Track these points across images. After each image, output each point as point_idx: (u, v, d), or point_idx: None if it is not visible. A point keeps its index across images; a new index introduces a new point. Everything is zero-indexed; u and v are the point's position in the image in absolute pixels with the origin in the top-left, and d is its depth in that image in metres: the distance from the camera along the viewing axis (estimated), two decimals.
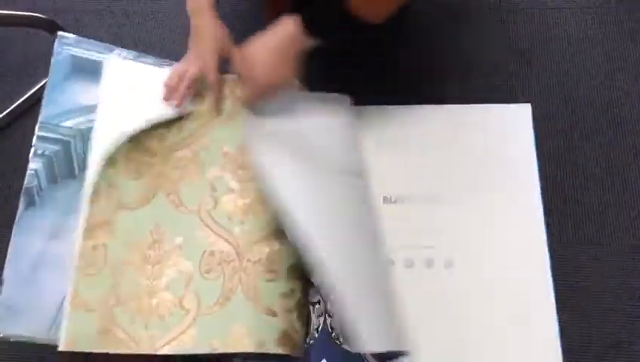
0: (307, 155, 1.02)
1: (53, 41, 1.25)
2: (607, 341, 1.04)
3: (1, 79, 1.31)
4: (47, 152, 1.03)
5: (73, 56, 1.10)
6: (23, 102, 1.26)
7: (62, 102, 1.06)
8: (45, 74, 1.26)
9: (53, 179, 1.02)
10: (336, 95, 1.12)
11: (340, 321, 0.94)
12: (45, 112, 1.05)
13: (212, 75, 1.01)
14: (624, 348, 1.03)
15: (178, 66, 1.03)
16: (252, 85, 1.00)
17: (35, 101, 1.27)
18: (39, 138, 1.03)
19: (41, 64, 1.30)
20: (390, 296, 0.98)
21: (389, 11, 0.98)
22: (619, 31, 1.31)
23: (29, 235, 0.98)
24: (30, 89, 1.27)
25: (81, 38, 1.11)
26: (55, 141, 1.04)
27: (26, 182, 1.00)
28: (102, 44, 1.13)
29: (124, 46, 1.31)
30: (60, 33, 1.11)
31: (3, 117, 1.25)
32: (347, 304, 0.88)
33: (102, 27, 1.36)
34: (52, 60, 1.08)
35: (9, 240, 1.11)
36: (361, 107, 1.19)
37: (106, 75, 1.08)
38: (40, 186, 1.01)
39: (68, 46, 1.10)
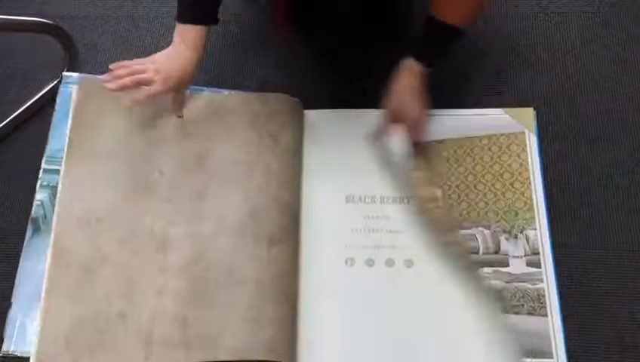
0: None
1: (60, 47, 1.26)
2: (611, 343, 1.04)
3: (7, 84, 1.31)
4: (52, 183, 1.11)
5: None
6: (29, 106, 1.26)
7: (65, 137, 1.14)
8: (52, 79, 1.27)
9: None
10: (287, 96, 1.17)
11: None
12: (50, 147, 1.14)
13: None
14: (630, 351, 1.03)
15: (150, 64, 1.08)
16: (410, 120, 1.10)
17: (41, 106, 1.27)
18: (45, 171, 1.12)
19: (46, 70, 1.30)
20: None
21: (475, 13, 1.06)
22: (622, 34, 1.31)
23: (36, 260, 1.05)
24: (36, 94, 1.27)
25: (84, 75, 1.21)
26: (59, 172, 1.11)
27: (32, 212, 1.09)
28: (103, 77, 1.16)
29: (130, 50, 1.33)
30: (64, 73, 1.21)
31: (10, 121, 1.25)
32: None
33: (107, 32, 1.36)
34: (57, 98, 1.17)
35: (11, 243, 1.13)
36: (361, 110, 1.20)
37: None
38: (45, 216, 1.08)
39: (71, 84, 1.20)
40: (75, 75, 1.22)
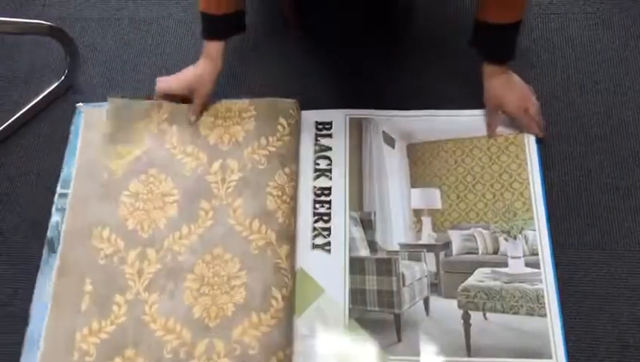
0: None
1: (61, 48, 1.27)
2: (613, 345, 1.03)
3: (9, 86, 1.31)
4: (65, 206, 1.14)
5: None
6: (30, 108, 1.27)
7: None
8: (52, 81, 1.28)
9: None
10: (286, 100, 1.18)
11: None
12: (65, 173, 1.17)
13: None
14: (630, 352, 1.03)
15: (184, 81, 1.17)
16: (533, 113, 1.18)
17: (43, 108, 1.28)
18: (60, 195, 1.15)
19: (48, 71, 1.31)
20: None
21: (524, 4, 1.12)
22: (623, 35, 1.31)
23: (51, 278, 1.07)
24: (38, 95, 1.27)
25: (95, 105, 1.23)
26: None
27: (48, 233, 1.11)
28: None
29: (130, 53, 1.34)
30: (77, 105, 1.23)
31: (12, 123, 1.26)
32: None
33: (108, 34, 1.37)
34: (70, 128, 1.20)
35: (13, 244, 1.14)
36: (362, 110, 1.20)
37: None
38: (59, 236, 1.11)
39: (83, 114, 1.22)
40: (88, 106, 1.24)
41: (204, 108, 1.19)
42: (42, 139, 1.24)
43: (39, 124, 1.26)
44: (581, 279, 1.08)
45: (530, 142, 1.16)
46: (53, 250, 1.10)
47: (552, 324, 1.01)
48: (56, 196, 1.15)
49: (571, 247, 1.10)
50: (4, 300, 1.10)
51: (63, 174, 1.17)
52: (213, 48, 1.15)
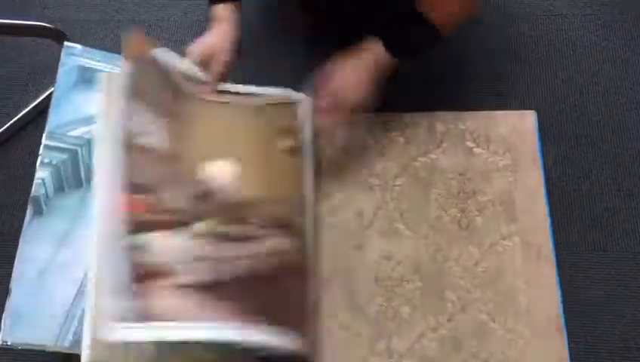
0: None
1: (61, 50, 1.26)
2: (614, 346, 1.03)
3: (9, 88, 1.31)
4: (54, 161, 1.04)
5: (80, 67, 1.11)
6: (30, 110, 1.27)
7: (69, 112, 1.08)
8: (53, 83, 1.27)
9: (60, 188, 1.03)
10: (293, 92, 1.12)
11: None
12: (52, 122, 1.06)
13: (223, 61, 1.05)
14: (632, 353, 1.03)
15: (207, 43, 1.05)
16: (339, 106, 1.02)
17: (43, 109, 1.27)
18: (46, 147, 1.04)
19: (48, 73, 1.31)
20: None
21: (462, 21, 1.04)
22: (623, 37, 1.32)
23: (36, 243, 0.99)
24: (38, 97, 1.27)
25: (87, 48, 1.13)
26: (62, 150, 1.05)
27: (33, 190, 1.01)
28: (108, 53, 1.14)
29: None
30: (66, 43, 1.13)
31: (11, 125, 1.25)
32: None
33: (108, 36, 1.37)
34: (59, 70, 1.10)
35: (14, 248, 1.12)
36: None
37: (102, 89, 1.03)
38: (47, 195, 1.01)
39: (75, 56, 1.12)
40: (78, 46, 1.14)
41: (222, 79, 1.06)
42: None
43: (39, 127, 1.26)
44: (582, 280, 1.08)
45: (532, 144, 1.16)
46: (39, 212, 1.00)
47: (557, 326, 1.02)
48: (41, 148, 1.04)
49: (573, 248, 1.11)
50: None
51: (50, 124, 1.06)
52: (225, 13, 1.06)
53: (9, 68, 1.34)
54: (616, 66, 1.29)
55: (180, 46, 1.33)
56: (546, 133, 1.19)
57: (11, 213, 1.19)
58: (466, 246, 1.08)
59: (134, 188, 0.91)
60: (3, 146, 1.24)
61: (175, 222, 0.93)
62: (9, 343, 0.94)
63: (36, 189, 1.02)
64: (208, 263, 0.91)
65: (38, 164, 1.03)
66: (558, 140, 1.21)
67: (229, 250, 0.94)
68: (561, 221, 1.12)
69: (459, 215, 1.10)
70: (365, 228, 1.10)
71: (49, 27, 1.25)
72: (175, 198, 0.95)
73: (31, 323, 0.95)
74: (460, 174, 1.13)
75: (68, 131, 1.06)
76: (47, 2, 1.40)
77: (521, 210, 1.10)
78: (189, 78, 1.05)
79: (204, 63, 1.04)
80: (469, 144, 1.16)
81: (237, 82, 1.25)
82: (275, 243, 0.99)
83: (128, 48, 1.00)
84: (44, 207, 1.01)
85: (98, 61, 1.13)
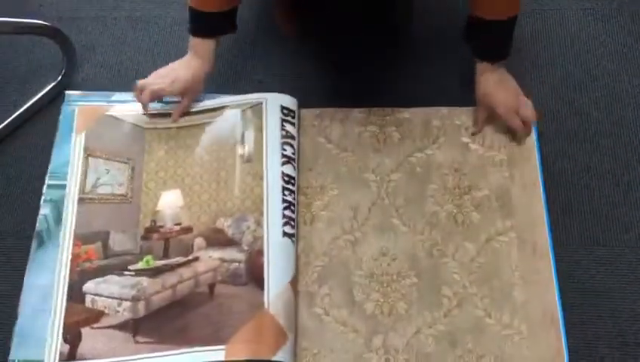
0: None
1: (58, 48, 1.27)
2: (614, 341, 1.03)
3: (5, 86, 1.31)
4: (54, 198, 1.12)
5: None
6: (27, 109, 1.26)
7: (68, 153, 1.17)
8: (49, 81, 1.27)
9: (58, 221, 1.11)
10: (286, 96, 1.17)
11: None
12: (54, 163, 1.16)
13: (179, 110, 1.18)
14: (631, 348, 1.02)
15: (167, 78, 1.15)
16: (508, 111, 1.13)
17: (40, 108, 1.27)
18: (49, 186, 1.14)
19: (45, 71, 1.31)
20: None
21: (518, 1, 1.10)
22: (622, 32, 1.31)
23: (40, 273, 1.07)
24: (35, 96, 1.27)
25: (85, 93, 1.24)
26: (62, 187, 1.14)
27: (37, 225, 1.10)
28: (104, 93, 1.23)
29: (127, 52, 1.34)
30: (66, 92, 1.23)
31: (8, 123, 1.25)
32: None
33: (105, 33, 1.37)
34: (60, 116, 1.20)
35: (11, 246, 1.14)
36: (360, 109, 1.20)
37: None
38: (49, 228, 1.10)
39: (73, 102, 1.22)
40: (77, 93, 1.23)
41: (186, 110, 1.18)
42: (40, 140, 1.24)
43: (36, 125, 1.26)
44: (581, 275, 1.08)
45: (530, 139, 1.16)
46: (42, 244, 1.08)
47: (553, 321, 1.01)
48: (44, 187, 1.13)
49: (572, 244, 1.10)
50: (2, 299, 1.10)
51: (53, 165, 1.15)
52: (204, 47, 1.13)
53: (5, 66, 1.34)
54: (615, 61, 1.28)
55: (176, 41, 1.34)
56: (544, 128, 1.19)
57: (8, 210, 1.19)
58: (462, 241, 1.08)
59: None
60: (1, 143, 1.24)
61: (120, 265, 1.07)
62: (16, 360, 1.01)
63: (39, 225, 1.10)
64: (142, 301, 1.03)
65: (41, 202, 1.12)
66: (556, 135, 1.20)
67: (162, 281, 1.05)
68: (559, 216, 1.12)
69: (455, 210, 1.10)
70: (361, 224, 1.10)
71: (46, 25, 1.25)
72: (123, 242, 1.10)
73: (35, 343, 1.01)
74: (456, 170, 1.13)
75: (66, 169, 1.15)
76: (44, 0, 1.40)
77: (518, 206, 1.10)
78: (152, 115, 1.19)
79: (180, 93, 1.15)
80: (465, 139, 1.16)
81: (230, 80, 1.26)
82: (205, 263, 1.07)
83: (79, 122, 1.18)
84: (46, 241, 1.09)
85: (94, 102, 1.22)
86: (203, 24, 1.12)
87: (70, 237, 1.08)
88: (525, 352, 0.99)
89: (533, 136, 1.15)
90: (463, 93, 1.20)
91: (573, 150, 1.19)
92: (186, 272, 1.06)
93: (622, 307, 1.05)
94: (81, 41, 1.34)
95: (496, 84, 1.13)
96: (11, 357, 1.01)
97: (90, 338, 1.01)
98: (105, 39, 1.36)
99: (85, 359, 0.99)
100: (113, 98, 1.22)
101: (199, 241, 1.09)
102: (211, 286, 1.05)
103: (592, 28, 1.32)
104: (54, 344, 1.00)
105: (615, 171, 1.17)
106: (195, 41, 1.14)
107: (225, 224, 1.09)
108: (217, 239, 1.08)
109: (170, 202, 1.12)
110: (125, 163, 1.16)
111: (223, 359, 0.96)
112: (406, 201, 1.11)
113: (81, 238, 1.08)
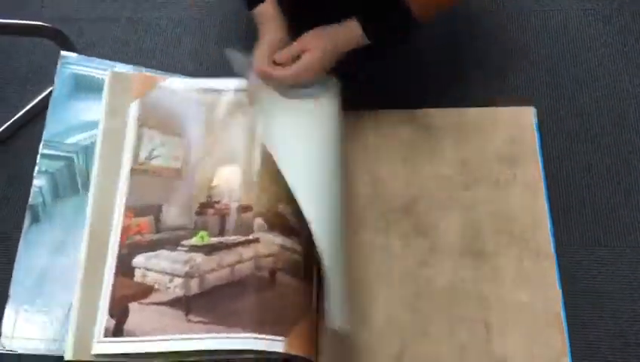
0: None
1: (59, 50, 1.26)
2: (615, 342, 1.03)
3: (6, 87, 1.31)
4: (50, 169, 1.06)
5: (75, 75, 1.14)
6: (28, 110, 1.26)
7: (65, 120, 1.10)
8: (50, 82, 1.27)
9: (56, 195, 1.05)
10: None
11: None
12: (49, 130, 1.08)
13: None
14: (632, 348, 1.03)
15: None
16: (298, 69, 1.04)
17: (41, 109, 1.27)
18: (43, 156, 1.06)
19: (46, 72, 1.30)
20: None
21: (442, 10, 1.06)
22: (623, 32, 1.31)
23: (35, 250, 1.01)
24: (35, 97, 1.27)
25: (82, 57, 1.16)
26: (58, 158, 1.07)
27: (30, 199, 1.03)
28: (103, 61, 1.16)
29: (128, 53, 1.33)
30: (62, 53, 1.15)
31: (9, 125, 1.25)
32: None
33: (106, 35, 1.37)
34: (55, 79, 1.12)
35: (13, 245, 1.12)
36: (362, 111, 1.19)
37: (109, 87, 1.11)
38: (44, 203, 1.03)
39: (70, 65, 1.15)
40: (73, 55, 1.16)
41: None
42: (40, 141, 1.24)
43: (38, 126, 1.26)
44: (583, 276, 1.08)
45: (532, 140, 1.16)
46: (36, 219, 1.03)
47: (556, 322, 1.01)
48: (38, 157, 1.06)
49: (573, 244, 1.10)
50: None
51: (47, 133, 1.09)
52: (266, 11, 1.08)
53: (7, 67, 1.34)
54: (616, 60, 1.28)
55: (177, 43, 1.34)
56: (546, 128, 1.19)
57: (9, 212, 1.19)
58: None
59: (137, 210, 1.02)
60: (1, 145, 1.24)
61: (173, 240, 1.01)
62: (8, 348, 0.95)
63: (33, 198, 1.04)
64: (196, 278, 0.97)
65: (35, 173, 1.05)
66: (558, 135, 1.20)
67: (218, 259, 0.99)
68: (561, 216, 1.12)
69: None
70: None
71: (47, 26, 1.25)
72: (177, 216, 1.03)
73: (29, 329, 0.96)
74: (459, 171, 1.13)
75: (64, 139, 1.09)
76: (44, 1, 1.40)
77: (521, 206, 1.10)
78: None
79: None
80: (468, 140, 1.16)
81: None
82: (266, 246, 1.01)
83: (134, 90, 1.10)
84: (41, 215, 1.03)
85: (94, 69, 1.15)
86: None
87: (121, 209, 1.02)
88: (529, 354, 0.99)
89: (536, 136, 1.16)
90: (466, 93, 1.20)
91: (574, 150, 1.19)
92: (245, 252, 1.00)
93: (623, 307, 1.06)
94: (83, 42, 1.34)
95: (325, 36, 1.06)
96: (3, 343, 0.96)
97: (138, 314, 0.95)
98: (105, 40, 1.36)
99: (133, 335, 0.94)
100: (115, 68, 1.16)
101: (259, 222, 1.03)
102: (272, 273, 0.99)
103: (592, 28, 1.32)
104: (99, 318, 0.95)
105: (617, 171, 1.17)
106: (257, 13, 1.09)
107: (286, 211, 1.04)
108: (279, 224, 1.03)
109: (227, 178, 1.06)
110: (181, 136, 1.10)
111: (281, 351, 0.93)
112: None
113: (133, 210, 1.02)
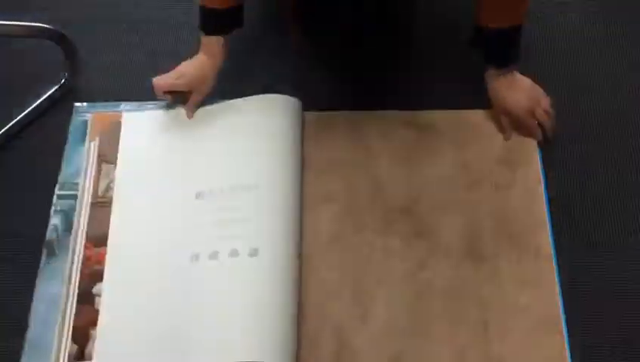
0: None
1: (61, 53, 1.27)
2: (616, 344, 1.03)
3: (8, 89, 1.31)
4: (64, 208, 1.14)
5: (86, 121, 1.24)
6: (30, 112, 1.27)
7: (78, 163, 1.19)
8: (53, 84, 1.28)
9: (68, 228, 1.13)
10: (287, 97, 1.18)
11: None
12: (64, 173, 1.18)
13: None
14: (633, 351, 1.02)
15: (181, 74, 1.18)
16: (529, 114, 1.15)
17: (43, 112, 1.27)
18: (59, 196, 1.15)
19: (48, 74, 1.31)
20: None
21: (524, 9, 1.12)
22: (623, 32, 1.31)
23: (50, 281, 1.08)
24: (37, 99, 1.27)
25: (93, 104, 1.26)
26: (71, 197, 1.16)
27: (47, 235, 1.11)
28: (112, 103, 1.26)
29: (130, 55, 1.34)
30: (75, 104, 1.25)
31: (11, 126, 1.26)
32: None
33: (110, 36, 1.37)
34: (69, 128, 1.23)
35: (14, 250, 1.14)
36: (362, 112, 1.20)
37: (125, 129, 1.21)
38: (58, 238, 1.11)
39: (82, 113, 1.25)
40: (85, 105, 1.25)
41: (201, 104, 1.21)
42: (42, 143, 1.24)
43: (39, 128, 1.26)
44: (583, 278, 1.08)
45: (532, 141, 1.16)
46: (52, 253, 1.10)
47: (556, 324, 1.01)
48: (54, 198, 1.15)
49: (574, 247, 1.10)
50: (4, 305, 1.10)
51: (63, 175, 1.17)
52: (214, 44, 1.16)
53: (8, 69, 1.34)
54: (618, 62, 1.28)
55: (181, 43, 1.34)
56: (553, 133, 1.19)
57: (8, 214, 1.19)
58: None
59: (97, 240, 1.10)
60: (2, 148, 1.24)
61: None
62: None
63: (50, 235, 1.12)
64: None
65: (52, 212, 1.13)
66: (558, 137, 1.20)
67: None
68: (561, 218, 1.12)
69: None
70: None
71: (48, 28, 1.26)
72: None
73: (45, 352, 1.02)
74: (459, 172, 1.13)
75: (76, 179, 1.18)
76: (46, 3, 1.40)
77: (520, 208, 1.10)
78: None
79: (190, 89, 1.18)
80: (468, 142, 1.16)
81: (235, 82, 1.26)
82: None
83: (93, 129, 1.22)
84: (56, 251, 1.11)
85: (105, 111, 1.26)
86: (214, 22, 1.15)
87: (82, 241, 1.10)
88: (528, 355, 0.99)
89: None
90: (465, 95, 1.20)
91: (574, 152, 1.19)
92: None
93: (624, 310, 1.05)
94: (84, 44, 1.34)
95: (507, 88, 1.14)
96: None
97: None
98: (108, 42, 1.36)
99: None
100: (122, 107, 1.24)
101: None
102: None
103: (593, 29, 1.32)
104: (63, 344, 1.01)
105: (618, 172, 1.17)
106: (205, 40, 1.17)
107: None
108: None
109: None
110: None
111: None
112: None
113: (94, 241, 1.10)
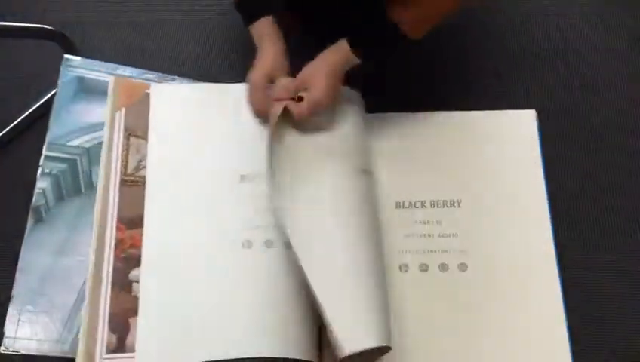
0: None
1: (62, 53, 1.27)
2: (617, 346, 1.03)
3: (9, 91, 1.31)
4: (54, 171, 1.07)
5: (79, 78, 1.16)
6: (31, 113, 1.27)
7: (68, 122, 1.12)
8: (53, 86, 1.27)
9: (59, 197, 1.06)
10: (347, 88, 1.13)
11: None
12: (52, 133, 1.10)
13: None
14: (635, 354, 1.03)
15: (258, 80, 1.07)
16: (311, 104, 1.02)
17: (44, 112, 1.27)
18: (46, 158, 1.08)
19: (49, 76, 1.30)
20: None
21: (432, 28, 1.04)
22: (623, 36, 1.31)
23: (37, 251, 1.02)
24: (39, 100, 1.27)
25: (86, 60, 1.18)
26: (62, 160, 1.09)
27: (33, 200, 1.04)
28: (106, 63, 1.19)
29: (131, 56, 1.33)
30: (65, 56, 1.17)
31: (12, 128, 1.26)
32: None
33: (109, 38, 1.37)
34: (58, 82, 1.14)
35: (12, 251, 1.13)
36: (367, 114, 1.20)
37: (155, 102, 1.11)
38: (47, 204, 1.05)
39: (73, 68, 1.17)
40: (77, 58, 1.18)
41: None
42: (43, 144, 1.24)
43: (40, 129, 1.26)
44: (584, 279, 1.08)
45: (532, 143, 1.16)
46: (39, 220, 1.03)
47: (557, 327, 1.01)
48: (42, 159, 1.08)
49: (575, 249, 1.10)
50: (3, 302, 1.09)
51: (51, 135, 1.10)
52: (263, 29, 1.09)
53: (9, 70, 1.34)
54: (617, 64, 1.28)
55: (180, 46, 1.34)
56: (547, 132, 1.19)
57: (11, 216, 1.19)
58: None
59: (129, 222, 1.01)
60: (3, 149, 1.25)
61: None
62: (10, 349, 0.96)
63: (36, 199, 1.04)
64: None
65: (38, 175, 1.06)
66: (559, 139, 1.20)
67: None
68: (563, 220, 1.12)
69: None
70: None
71: (49, 29, 1.26)
72: None
73: (32, 330, 0.97)
74: (459, 173, 1.14)
75: (67, 141, 1.10)
76: (47, 4, 1.40)
77: (522, 209, 1.10)
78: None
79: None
80: (469, 143, 1.16)
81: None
82: None
83: (118, 98, 1.11)
84: (44, 216, 1.04)
85: (97, 71, 1.18)
86: (256, 6, 1.10)
87: (115, 222, 1.01)
88: (529, 358, 0.99)
89: (537, 139, 1.16)
90: (467, 97, 1.20)
91: (575, 155, 1.19)
92: None
93: (626, 312, 1.06)
94: (85, 45, 1.34)
95: (333, 69, 1.06)
96: (5, 344, 0.96)
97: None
98: (109, 44, 1.36)
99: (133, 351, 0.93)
100: (118, 71, 1.18)
101: None
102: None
103: (593, 31, 1.33)
104: (100, 334, 0.93)
105: (619, 175, 1.17)
106: (256, 31, 1.10)
107: None
108: None
109: None
110: None
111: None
112: None
113: (125, 223, 1.01)
